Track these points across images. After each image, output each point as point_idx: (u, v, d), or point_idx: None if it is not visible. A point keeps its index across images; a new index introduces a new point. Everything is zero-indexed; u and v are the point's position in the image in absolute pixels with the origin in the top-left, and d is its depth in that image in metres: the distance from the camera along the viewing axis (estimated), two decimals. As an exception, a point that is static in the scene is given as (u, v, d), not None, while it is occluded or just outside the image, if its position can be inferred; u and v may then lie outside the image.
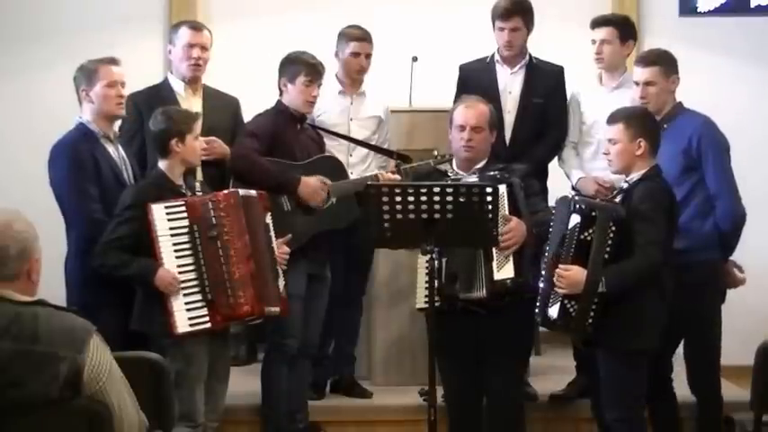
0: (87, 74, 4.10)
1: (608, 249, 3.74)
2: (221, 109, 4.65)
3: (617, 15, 5.10)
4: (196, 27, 4.67)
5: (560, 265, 3.78)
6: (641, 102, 4.26)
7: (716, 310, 4.28)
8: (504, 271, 3.86)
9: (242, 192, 4.01)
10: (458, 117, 4.12)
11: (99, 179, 4.03)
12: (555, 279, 3.79)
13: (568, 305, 3.77)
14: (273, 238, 4.08)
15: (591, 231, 3.76)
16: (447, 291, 3.89)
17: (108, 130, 4.13)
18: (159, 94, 4.51)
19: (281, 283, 4.07)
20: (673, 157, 4.06)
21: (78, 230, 4.06)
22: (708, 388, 4.29)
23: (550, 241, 3.89)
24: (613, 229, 3.74)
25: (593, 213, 3.77)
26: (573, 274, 3.75)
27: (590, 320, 3.76)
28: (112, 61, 4.15)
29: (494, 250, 3.85)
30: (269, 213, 4.10)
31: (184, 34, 4.60)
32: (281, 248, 4.11)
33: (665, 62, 4.33)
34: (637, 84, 4.33)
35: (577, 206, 3.80)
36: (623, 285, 3.75)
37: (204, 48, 4.63)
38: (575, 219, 3.79)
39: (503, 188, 3.87)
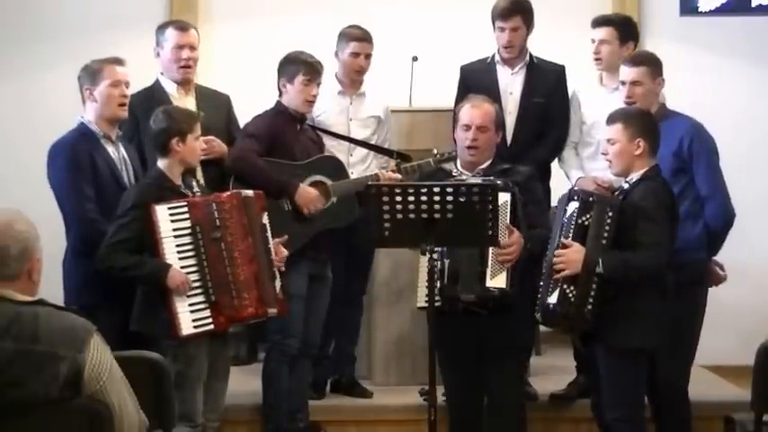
0: (91, 73, 4.09)
1: (606, 235, 3.75)
2: (215, 108, 4.61)
3: (619, 15, 5.08)
4: (183, 27, 4.61)
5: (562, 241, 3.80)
6: (627, 101, 4.27)
7: (702, 310, 4.30)
8: (497, 280, 3.87)
9: (243, 193, 4.01)
10: (464, 116, 4.11)
11: (96, 179, 4.01)
12: (553, 259, 3.79)
13: (567, 290, 3.78)
14: (270, 239, 4.08)
15: (588, 216, 3.78)
16: (448, 292, 3.89)
17: (110, 131, 4.12)
18: (153, 97, 4.46)
19: (278, 284, 4.07)
20: (662, 158, 4.06)
21: (74, 230, 4.06)
22: (680, 388, 4.28)
23: (551, 240, 3.89)
24: (610, 215, 3.77)
25: (591, 199, 3.81)
26: (571, 252, 3.77)
27: (589, 306, 3.76)
28: (117, 61, 4.14)
29: (490, 257, 3.86)
30: (265, 214, 4.09)
31: (172, 36, 4.55)
32: (278, 249, 4.11)
33: (651, 63, 4.34)
34: (623, 83, 4.35)
35: (575, 196, 3.85)
36: (623, 273, 3.75)
37: (193, 47, 4.58)
38: (572, 206, 3.82)
39: (507, 196, 3.88)
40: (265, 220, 4.07)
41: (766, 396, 3.53)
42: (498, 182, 3.89)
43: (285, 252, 4.12)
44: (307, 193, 4.42)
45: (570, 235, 3.81)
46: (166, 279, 3.78)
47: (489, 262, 3.86)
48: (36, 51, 6.06)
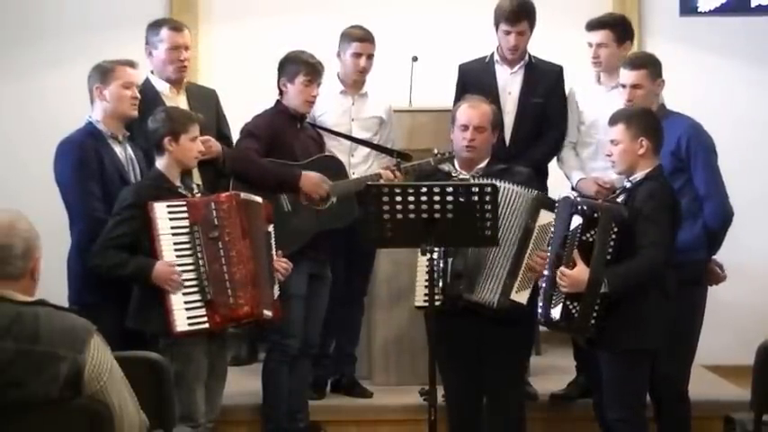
0: (103, 72, 4.09)
1: (610, 251, 3.75)
2: (205, 105, 4.58)
3: (613, 16, 5.02)
4: (178, 28, 4.57)
5: (563, 266, 3.79)
6: (627, 104, 4.27)
7: (701, 309, 4.31)
8: (521, 295, 3.89)
9: (243, 195, 4.01)
10: (461, 116, 4.12)
11: (102, 178, 4.02)
12: (558, 278, 3.79)
13: (571, 306, 3.78)
14: (273, 247, 4.09)
15: (593, 233, 3.77)
16: (450, 291, 3.89)
17: (117, 131, 4.12)
18: (145, 96, 4.39)
19: (276, 291, 4.08)
20: (660, 158, 4.06)
21: (80, 228, 4.06)
22: (680, 388, 4.29)
23: (552, 241, 3.89)
24: (615, 230, 3.75)
25: (596, 215, 3.78)
26: (576, 274, 3.76)
27: (593, 321, 3.76)
28: (129, 63, 4.15)
29: (521, 270, 3.87)
30: (271, 224, 4.10)
31: (167, 36, 4.50)
32: (280, 260, 4.11)
33: (651, 65, 4.35)
34: (623, 86, 4.34)
35: (579, 208, 3.82)
36: (626, 286, 3.76)
37: (187, 48, 4.55)
38: (576, 220, 3.80)
39: (551, 217, 3.88)
40: (270, 229, 4.08)
41: (766, 396, 3.53)
42: (546, 198, 3.94)
43: (285, 266, 4.13)
44: (310, 177, 4.42)
45: (574, 250, 3.78)
46: (151, 277, 3.79)
47: (520, 274, 3.88)
48: (36, 51, 6.06)
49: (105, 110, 4.09)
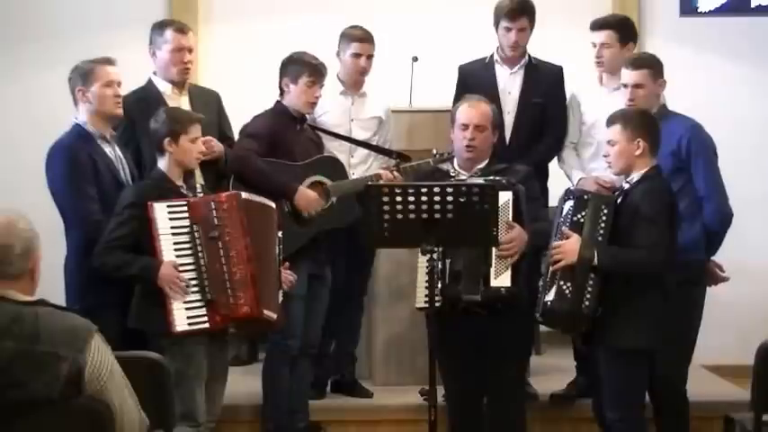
0: (83, 74, 4.08)
1: (601, 232, 3.78)
2: (207, 106, 4.58)
3: (616, 17, 5.07)
4: (182, 29, 4.57)
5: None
6: (629, 104, 4.28)
7: (699, 309, 4.31)
8: (501, 279, 3.87)
9: (245, 195, 4.01)
10: (461, 116, 4.12)
11: (96, 180, 4.01)
12: (551, 253, 3.80)
13: (564, 286, 3.79)
14: (281, 251, 4.08)
15: (583, 213, 3.81)
16: (449, 292, 3.89)
17: (105, 131, 4.12)
18: (148, 97, 4.43)
19: (280, 296, 4.08)
20: (661, 158, 4.07)
21: (77, 231, 4.05)
22: (678, 387, 4.29)
23: (550, 241, 3.90)
24: (605, 212, 3.79)
25: (586, 197, 3.85)
26: (568, 242, 3.78)
27: (586, 302, 3.77)
28: (108, 61, 4.13)
29: (493, 256, 3.86)
30: (280, 231, 4.09)
31: (172, 38, 4.50)
32: (286, 272, 4.11)
33: (653, 65, 4.36)
34: (625, 86, 4.35)
35: (570, 195, 3.89)
36: (617, 267, 3.77)
37: (191, 50, 4.57)
38: (568, 204, 3.87)
39: (508, 195, 3.89)
40: (280, 234, 4.08)
41: (766, 396, 3.54)
42: (503, 180, 3.91)
43: (292, 278, 4.14)
44: (306, 195, 4.42)
45: (565, 226, 3.83)
46: (157, 279, 3.79)
47: (493, 261, 3.87)
48: (37, 51, 6.07)
49: (90, 111, 4.08)
